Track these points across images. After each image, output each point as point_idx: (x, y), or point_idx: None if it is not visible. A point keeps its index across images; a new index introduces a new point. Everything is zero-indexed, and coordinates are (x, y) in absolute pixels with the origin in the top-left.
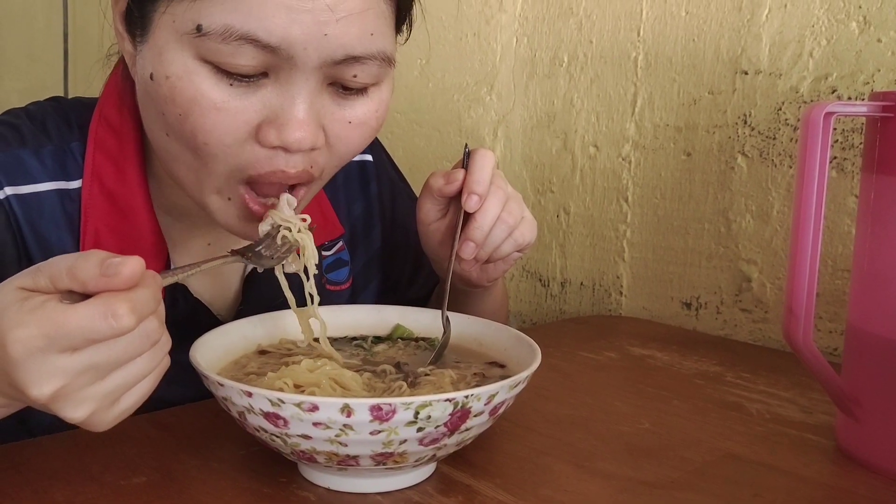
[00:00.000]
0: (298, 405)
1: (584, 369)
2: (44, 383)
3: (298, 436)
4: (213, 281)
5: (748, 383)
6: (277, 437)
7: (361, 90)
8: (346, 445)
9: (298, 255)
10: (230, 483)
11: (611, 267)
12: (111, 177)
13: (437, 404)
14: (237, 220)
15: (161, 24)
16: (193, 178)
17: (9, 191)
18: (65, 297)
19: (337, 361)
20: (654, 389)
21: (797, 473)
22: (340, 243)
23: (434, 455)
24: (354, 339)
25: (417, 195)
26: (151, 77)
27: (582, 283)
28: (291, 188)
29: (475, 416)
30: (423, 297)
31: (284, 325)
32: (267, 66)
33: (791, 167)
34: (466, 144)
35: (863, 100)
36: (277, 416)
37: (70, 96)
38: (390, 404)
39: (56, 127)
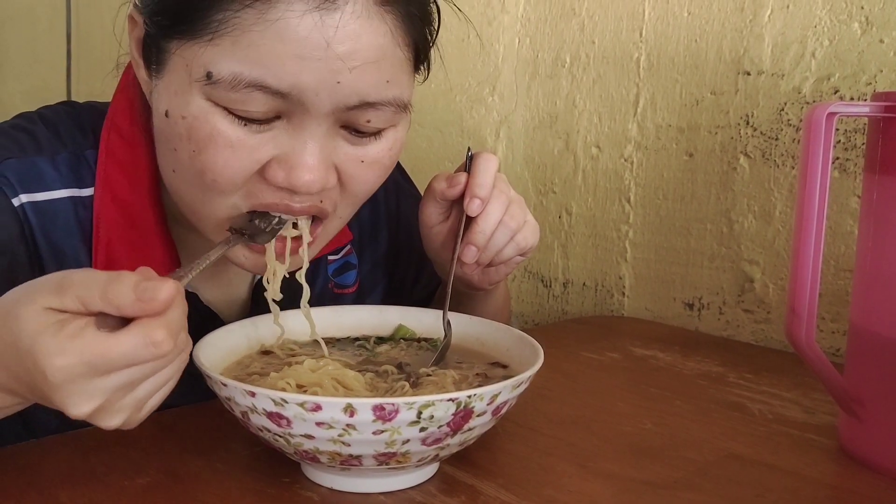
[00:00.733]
0: (301, 405)
1: (586, 370)
2: (83, 404)
3: (301, 436)
4: (223, 289)
5: (751, 384)
6: (281, 436)
7: (375, 133)
8: (349, 445)
9: (295, 228)
10: (234, 483)
11: (613, 267)
12: (123, 186)
13: (440, 404)
14: (242, 254)
15: (175, 65)
16: (196, 216)
17: (24, 198)
18: (99, 321)
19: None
20: (657, 390)
21: (800, 474)
22: (348, 247)
23: (437, 455)
24: (357, 339)
25: (421, 194)
26: (167, 114)
27: (584, 284)
28: (312, 219)
29: (478, 416)
30: (426, 297)
31: (287, 325)
32: (279, 110)
33: (793, 168)
34: (469, 148)
35: (865, 100)
36: (280, 416)
37: (72, 98)
38: (393, 404)
39: (70, 133)
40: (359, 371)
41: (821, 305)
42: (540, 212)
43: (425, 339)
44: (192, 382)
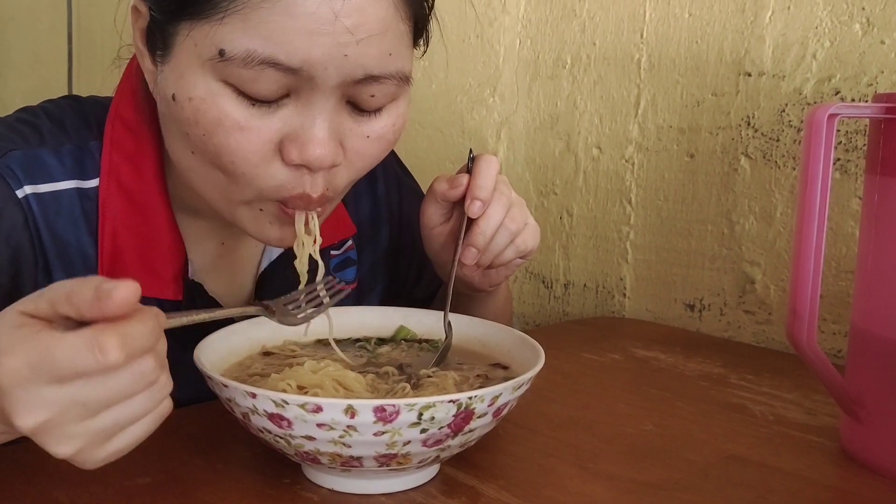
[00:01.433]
0: (302, 406)
1: (587, 371)
2: (27, 414)
3: (302, 437)
4: (228, 281)
5: (752, 385)
6: (281, 438)
7: (379, 108)
8: (350, 447)
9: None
10: (234, 484)
11: (614, 269)
12: (128, 175)
13: (441, 406)
14: (270, 227)
15: (183, 47)
16: (221, 194)
17: (28, 189)
18: (62, 324)
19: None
20: (658, 391)
21: (801, 475)
22: (350, 242)
23: (438, 456)
24: (358, 340)
25: (423, 191)
26: (174, 98)
27: (585, 285)
28: None
29: (479, 417)
30: (427, 296)
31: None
32: (288, 87)
33: (794, 169)
34: (471, 149)
35: (866, 101)
36: (281, 418)
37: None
38: (394, 405)
39: (74, 126)
40: (360, 372)
41: (822, 307)
42: (541, 213)
43: (426, 341)
44: (199, 377)
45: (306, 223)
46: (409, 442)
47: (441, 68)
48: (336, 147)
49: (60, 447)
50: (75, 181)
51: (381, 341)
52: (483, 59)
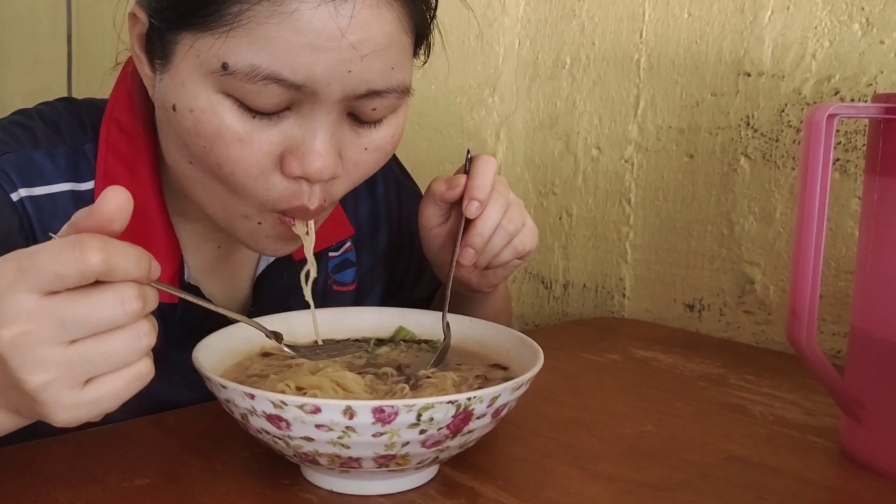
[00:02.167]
0: (301, 407)
1: (586, 371)
2: (5, 324)
3: (301, 438)
4: (225, 284)
5: (751, 385)
6: (280, 439)
7: (378, 120)
8: (349, 448)
9: None
10: (233, 485)
11: (613, 269)
12: (123, 178)
13: (440, 406)
14: (266, 240)
15: (185, 58)
16: (219, 204)
17: (23, 192)
18: None
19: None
20: (657, 392)
21: (800, 476)
22: (348, 244)
23: (436, 457)
24: (357, 340)
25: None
26: (174, 108)
27: (584, 285)
28: None
29: (477, 418)
30: (426, 297)
31: (287, 327)
32: (290, 101)
33: (794, 169)
34: (469, 150)
35: (866, 101)
36: (280, 419)
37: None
38: (392, 406)
39: (69, 128)
40: (358, 373)
41: (821, 307)
42: (540, 213)
43: (425, 341)
44: (198, 378)
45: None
46: (407, 443)
47: (440, 69)
48: (336, 160)
49: (33, 374)
50: (70, 183)
51: (380, 342)
52: (482, 60)
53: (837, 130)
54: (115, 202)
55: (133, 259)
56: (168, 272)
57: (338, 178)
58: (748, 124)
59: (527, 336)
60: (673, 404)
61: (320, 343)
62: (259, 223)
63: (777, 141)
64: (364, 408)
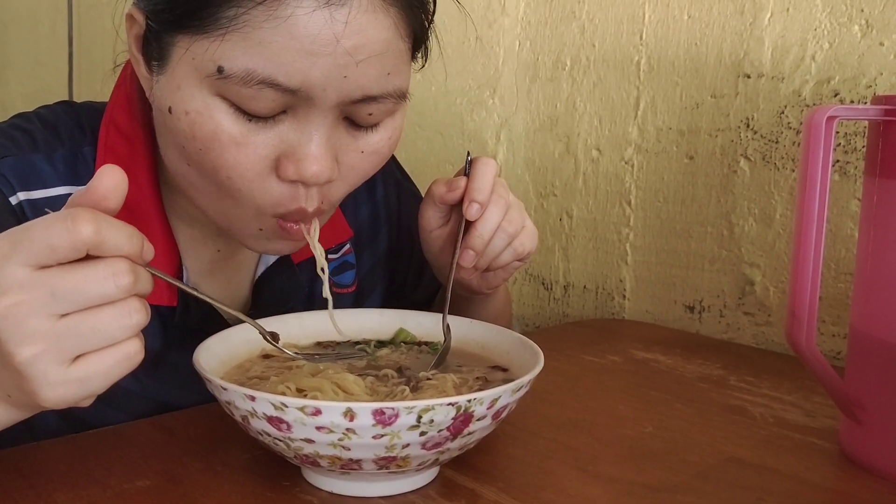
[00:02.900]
0: (301, 409)
1: (587, 373)
2: None
3: (301, 440)
4: (225, 286)
5: (751, 387)
6: (280, 441)
7: (375, 124)
8: (349, 449)
9: None
10: (234, 487)
11: (614, 270)
12: None
13: (440, 408)
14: (269, 243)
15: (181, 60)
16: (219, 208)
17: (21, 196)
18: None
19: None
20: (658, 393)
21: (800, 477)
22: (347, 246)
23: (437, 459)
24: (357, 342)
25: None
26: (170, 111)
27: (585, 287)
28: None
29: (478, 420)
30: (427, 299)
31: (288, 329)
32: (286, 105)
33: (794, 171)
34: (469, 152)
35: (865, 103)
36: (280, 421)
37: (76, 100)
38: (393, 408)
39: (68, 131)
40: (359, 375)
41: (821, 309)
42: (540, 214)
43: (425, 343)
44: (199, 380)
45: (300, 238)
46: (408, 445)
47: (441, 71)
48: (332, 163)
49: (22, 346)
50: (69, 187)
51: (381, 344)
52: (483, 61)
53: (837, 132)
54: (110, 180)
55: (125, 235)
56: (167, 275)
57: (335, 182)
58: (748, 126)
59: (527, 338)
60: (673, 406)
61: (342, 335)
62: (260, 229)
63: (777, 142)
64: (364, 410)
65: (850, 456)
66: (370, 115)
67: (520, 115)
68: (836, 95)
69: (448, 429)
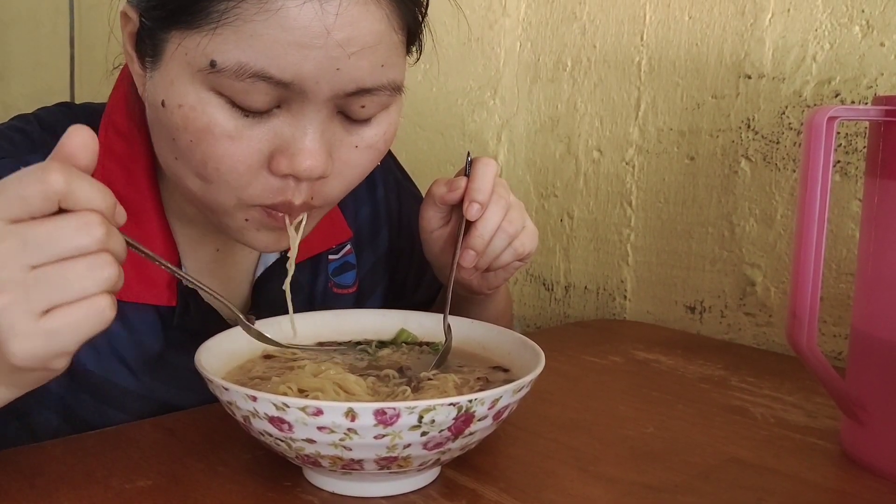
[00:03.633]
0: (303, 409)
1: (588, 373)
2: None
3: (303, 440)
4: (224, 286)
5: (752, 387)
6: (282, 441)
7: (369, 117)
8: (351, 449)
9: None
10: (235, 487)
11: (615, 271)
12: (121, 181)
13: (441, 408)
14: (257, 234)
15: (174, 56)
16: (202, 201)
17: None
18: None
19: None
20: (659, 393)
21: (802, 477)
22: (348, 247)
23: (438, 459)
24: (358, 343)
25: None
26: (163, 104)
27: (586, 287)
28: None
29: (479, 420)
30: (428, 299)
31: (288, 329)
32: (279, 99)
33: (795, 171)
34: (469, 153)
35: (866, 104)
36: (282, 421)
37: (77, 101)
38: (394, 408)
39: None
40: (360, 375)
41: (822, 309)
42: (541, 215)
43: (427, 343)
44: (200, 380)
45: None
46: (409, 445)
47: (441, 71)
48: (326, 158)
49: None
50: None
51: (382, 344)
52: (483, 62)
53: (838, 133)
54: (80, 138)
55: (96, 189)
56: (165, 276)
57: (330, 178)
58: (749, 126)
59: (528, 338)
60: (674, 406)
61: (294, 337)
62: (246, 219)
63: (778, 143)
64: (366, 410)
65: (852, 456)
66: (363, 107)
67: (521, 116)
68: (836, 96)
69: (449, 429)
